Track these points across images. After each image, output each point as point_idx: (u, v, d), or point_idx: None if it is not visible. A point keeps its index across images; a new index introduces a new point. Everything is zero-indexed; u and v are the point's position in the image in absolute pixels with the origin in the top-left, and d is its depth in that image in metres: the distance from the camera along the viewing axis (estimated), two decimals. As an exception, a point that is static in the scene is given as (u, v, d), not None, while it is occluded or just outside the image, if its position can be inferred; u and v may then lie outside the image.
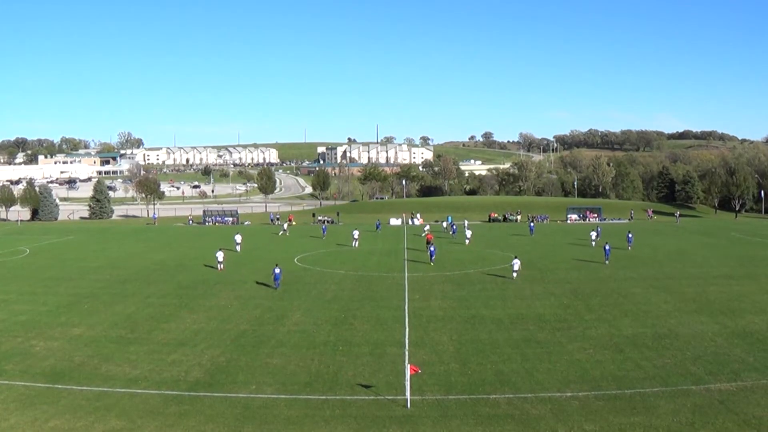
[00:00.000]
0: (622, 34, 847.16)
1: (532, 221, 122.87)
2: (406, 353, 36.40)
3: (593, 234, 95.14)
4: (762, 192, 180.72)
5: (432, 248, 77.53)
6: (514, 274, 64.80)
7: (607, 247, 76.41)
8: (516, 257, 67.57)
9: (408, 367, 30.89)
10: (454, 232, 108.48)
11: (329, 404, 30.81)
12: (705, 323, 46.05)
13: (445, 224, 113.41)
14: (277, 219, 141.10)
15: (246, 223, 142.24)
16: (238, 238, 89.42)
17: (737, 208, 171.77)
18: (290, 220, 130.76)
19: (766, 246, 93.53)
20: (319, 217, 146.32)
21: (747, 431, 27.46)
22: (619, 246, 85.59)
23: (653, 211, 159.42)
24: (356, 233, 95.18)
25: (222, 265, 71.04)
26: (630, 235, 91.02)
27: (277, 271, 60.58)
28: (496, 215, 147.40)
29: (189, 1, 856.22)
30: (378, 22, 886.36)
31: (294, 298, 55.54)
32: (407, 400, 30.36)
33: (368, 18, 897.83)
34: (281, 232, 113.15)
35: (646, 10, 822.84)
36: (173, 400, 31.38)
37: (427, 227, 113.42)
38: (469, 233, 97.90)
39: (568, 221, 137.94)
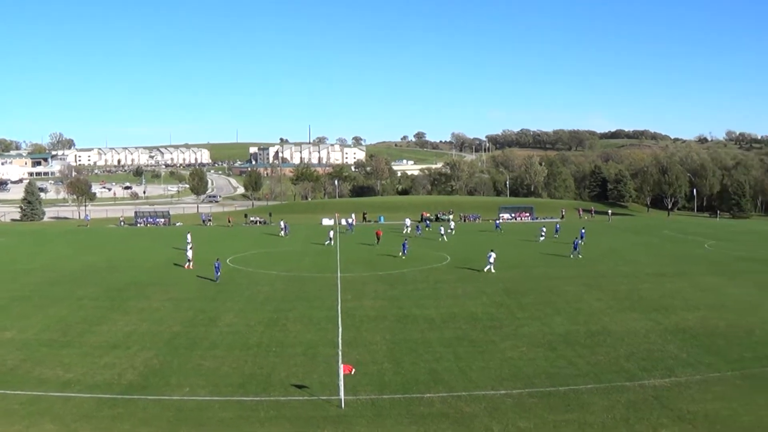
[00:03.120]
0: (553, 34, 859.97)
1: (499, 219, 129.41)
2: (339, 353, 36.44)
3: (543, 230, 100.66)
4: (694, 190, 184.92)
5: (405, 242, 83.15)
6: (491, 267, 67.59)
7: (576, 242, 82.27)
8: (492, 250, 69.77)
9: (341, 367, 30.85)
10: (419, 231, 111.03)
11: (263, 405, 30.65)
12: (638, 320, 46.93)
13: (408, 222, 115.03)
14: (209, 220, 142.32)
15: (177, 224, 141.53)
16: (189, 237, 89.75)
17: (669, 207, 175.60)
18: (229, 221, 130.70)
19: (699, 244, 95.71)
20: (251, 218, 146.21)
21: (682, 426, 27.99)
22: (560, 244, 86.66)
23: (594, 211, 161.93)
24: (332, 233, 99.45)
25: (191, 263, 71.60)
26: (583, 232, 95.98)
27: (217, 264, 63.90)
28: (428, 215, 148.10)
29: (119, 0, 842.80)
30: (309, 21, 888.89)
31: (226, 300, 55.16)
32: (341, 400, 30.31)
33: (299, 18, 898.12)
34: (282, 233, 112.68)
35: (577, 11, 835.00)
36: (107, 403, 30.94)
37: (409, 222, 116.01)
38: (442, 230, 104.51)
39: (500, 221, 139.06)
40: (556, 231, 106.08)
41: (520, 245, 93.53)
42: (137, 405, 30.77)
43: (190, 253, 73.29)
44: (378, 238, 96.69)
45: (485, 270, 67.78)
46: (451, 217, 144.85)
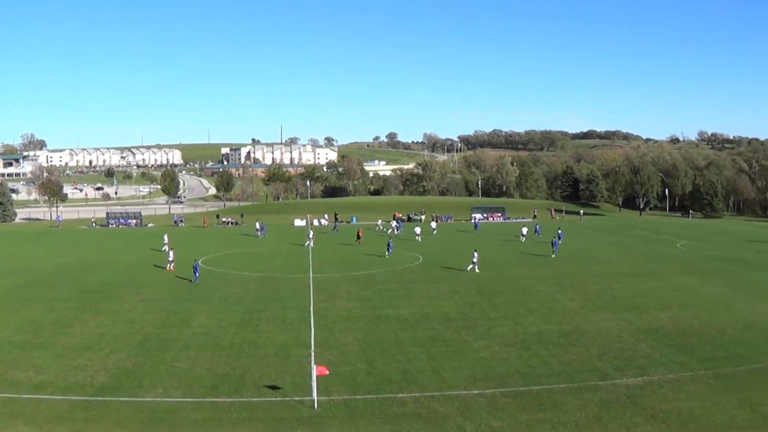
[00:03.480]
0: (525, 34, 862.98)
1: (477, 219, 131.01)
2: (312, 354, 36.33)
3: (524, 230, 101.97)
4: (666, 190, 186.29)
5: (390, 241, 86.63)
6: (475, 266, 68.57)
7: (554, 242, 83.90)
8: (476, 250, 70.68)
9: (314, 367, 30.74)
10: (398, 229, 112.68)
11: (236, 407, 30.49)
12: (610, 320, 47.13)
13: (394, 223, 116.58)
14: (181, 221, 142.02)
15: (149, 225, 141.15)
16: (166, 237, 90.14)
17: (641, 207, 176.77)
18: (204, 222, 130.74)
19: (671, 243, 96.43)
20: (223, 218, 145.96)
21: (655, 425, 28.07)
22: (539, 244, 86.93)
23: (566, 211, 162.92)
24: (311, 233, 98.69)
25: (172, 265, 70.85)
26: (560, 232, 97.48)
27: (195, 264, 64.73)
28: (400, 215, 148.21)
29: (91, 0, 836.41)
30: (280, 21, 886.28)
31: (198, 301, 54.90)
32: (314, 400, 30.20)
33: (270, 17, 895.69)
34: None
35: (549, 12, 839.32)
36: (80, 405, 30.63)
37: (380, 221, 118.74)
38: (418, 230, 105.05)
39: (473, 221, 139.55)
40: (536, 231, 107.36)
41: (498, 245, 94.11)
42: (110, 407, 30.51)
43: (171, 254, 72.57)
44: (358, 237, 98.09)
45: (468, 269, 68.28)
46: (423, 217, 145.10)
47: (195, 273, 64.22)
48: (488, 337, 42.45)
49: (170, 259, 71.81)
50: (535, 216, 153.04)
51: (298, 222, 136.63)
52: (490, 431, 27.61)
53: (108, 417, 29.32)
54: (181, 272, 67.97)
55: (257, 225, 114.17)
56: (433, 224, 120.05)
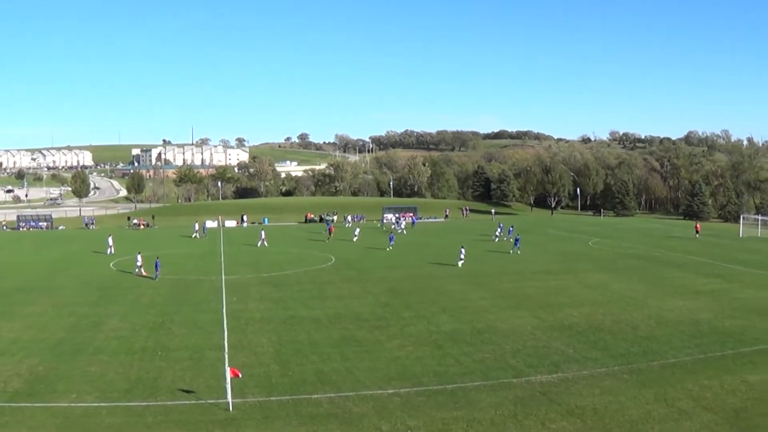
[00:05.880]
0: (437, 34, 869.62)
1: (402, 219, 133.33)
2: (226, 356, 36.30)
3: (498, 230, 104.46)
4: (578, 189, 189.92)
5: (392, 235, 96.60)
6: (460, 263, 72.39)
7: (518, 237, 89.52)
8: (462, 246, 75.50)
9: (228, 370, 30.67)
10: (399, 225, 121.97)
11: (151, 410, 30.16)
12: (523, 317, 47.86)
13: (394, 219, 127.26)
14: (92, 224, 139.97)
15: (60, 227, 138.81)
16: (110, 240, 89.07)
17: (553, 206, 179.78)
18: (142, 224, 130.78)
19: (583, 241, 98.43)
20: (134, 221, 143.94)
21: (570, 420, 28.58)
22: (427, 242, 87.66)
23: (470, 210, 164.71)
24: (263, 233, 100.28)
25: (142, 269, 68.61)
26: (511, 228, 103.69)
27: (156, 262, 66.13)
28: (312, 216, 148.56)
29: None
30: (190, 21, 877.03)
31: (110, 304, 54.14)
32: (229, 403, 30.10)
33: (179, 17, 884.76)
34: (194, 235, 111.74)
35: (459, 11, 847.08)
36: (-6, 411, 30.14)
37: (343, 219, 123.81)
38: (357, 231, 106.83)
39: (384, 221, 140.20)
40: (499, 228, 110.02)
41: (411, 245, 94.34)
42: (24, 413, 29.96)
43: (139, 259, 69.55)
44: (330, 234, 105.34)
45: (459, 264, 72.17)
46: (335, 218, 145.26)
47: (156, 271, 65.20)
48: (402, 337, 42.70)
49: (138, 263, 69.18)
50: (446, 216, 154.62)
51: (210, 224, 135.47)
52: (406, 430, 27.74)
53: (23, 423, 28.82)
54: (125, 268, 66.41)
55: (195, 226, 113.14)
56: (402, 223, 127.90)
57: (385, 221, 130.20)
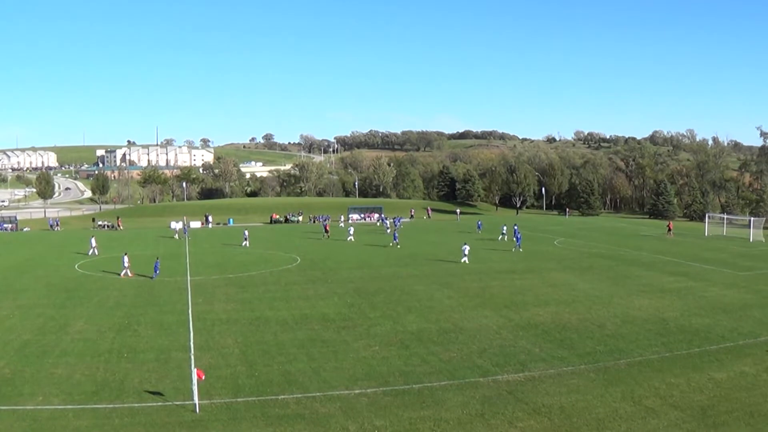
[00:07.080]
0: (401, 35, 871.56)
1: (387, 219, 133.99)
2: (192, 358, 36.31)
3: (503, 228, 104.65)
4: (543, 189, 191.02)
5: (395, 233, 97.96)
6: (465, 259, 74.88)
7: (519, 235, 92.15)
8: (465, 243, 78.00)
9: (194, 371, 30.60)
10: (385, 223, 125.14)
11: (117, 413, 30.02)
12: (489, 317, 48.10)
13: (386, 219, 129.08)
14: (57, 225, 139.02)
15: (25, 229, 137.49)
16: (94, 241, 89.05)
17: (518, 205, 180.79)
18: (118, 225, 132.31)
19: (548, 241, 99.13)
20: (99, 222, 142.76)
21: (538, 419, 28.79)
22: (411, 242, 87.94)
23: (432, 210, 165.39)
24: (246, 233, 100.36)
25: (128, 271, 67.85)
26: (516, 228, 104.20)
27: (156, 263, 67.24)
28: (277, 216, 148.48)
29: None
30: (152, 20, 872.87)
31: (76, 306, 53.67)
32: (196, 404, 30.04)
33: (144, 17, 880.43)
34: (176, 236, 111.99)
35: (423, 12, 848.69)
36: (-40, 415, 29.80)
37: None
38: (351, 231, 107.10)
39: (350, 221, 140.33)
40: (479, 227, 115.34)
41: (373, 246, 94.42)
42: (-9, 416, 29.77)
43: (126, 260, 68.91)
44: (326, 232, 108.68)
45: (462, 261, 74.40)
46: (300, 218, 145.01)
47: (155, 271, 66.10)
48: (368, 337, 42.78)
49: (126, 264, 68.52)
50: (412, 216, 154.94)
51: (174, 225, 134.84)
52: (373, 430, 27.83)
53: (-11, 426, 28.61)
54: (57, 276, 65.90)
55: (175, 227, 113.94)
56: (398, 221, 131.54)
57: (386, 221, 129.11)
